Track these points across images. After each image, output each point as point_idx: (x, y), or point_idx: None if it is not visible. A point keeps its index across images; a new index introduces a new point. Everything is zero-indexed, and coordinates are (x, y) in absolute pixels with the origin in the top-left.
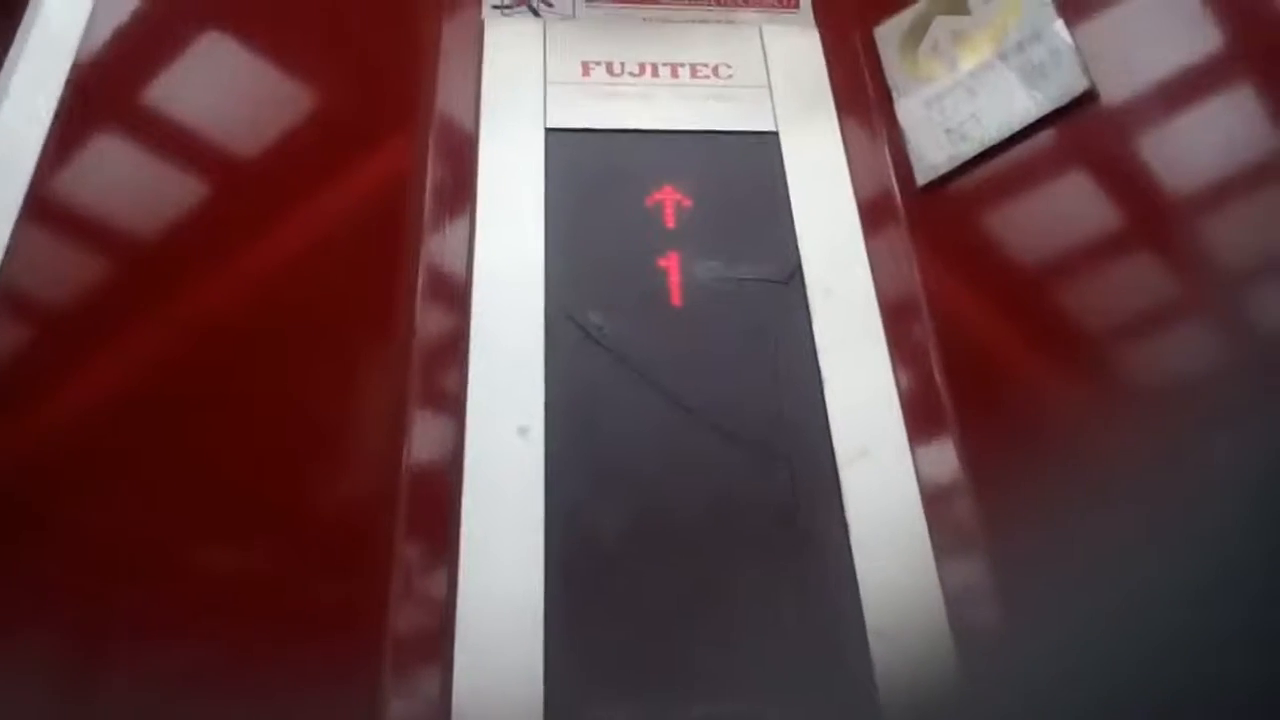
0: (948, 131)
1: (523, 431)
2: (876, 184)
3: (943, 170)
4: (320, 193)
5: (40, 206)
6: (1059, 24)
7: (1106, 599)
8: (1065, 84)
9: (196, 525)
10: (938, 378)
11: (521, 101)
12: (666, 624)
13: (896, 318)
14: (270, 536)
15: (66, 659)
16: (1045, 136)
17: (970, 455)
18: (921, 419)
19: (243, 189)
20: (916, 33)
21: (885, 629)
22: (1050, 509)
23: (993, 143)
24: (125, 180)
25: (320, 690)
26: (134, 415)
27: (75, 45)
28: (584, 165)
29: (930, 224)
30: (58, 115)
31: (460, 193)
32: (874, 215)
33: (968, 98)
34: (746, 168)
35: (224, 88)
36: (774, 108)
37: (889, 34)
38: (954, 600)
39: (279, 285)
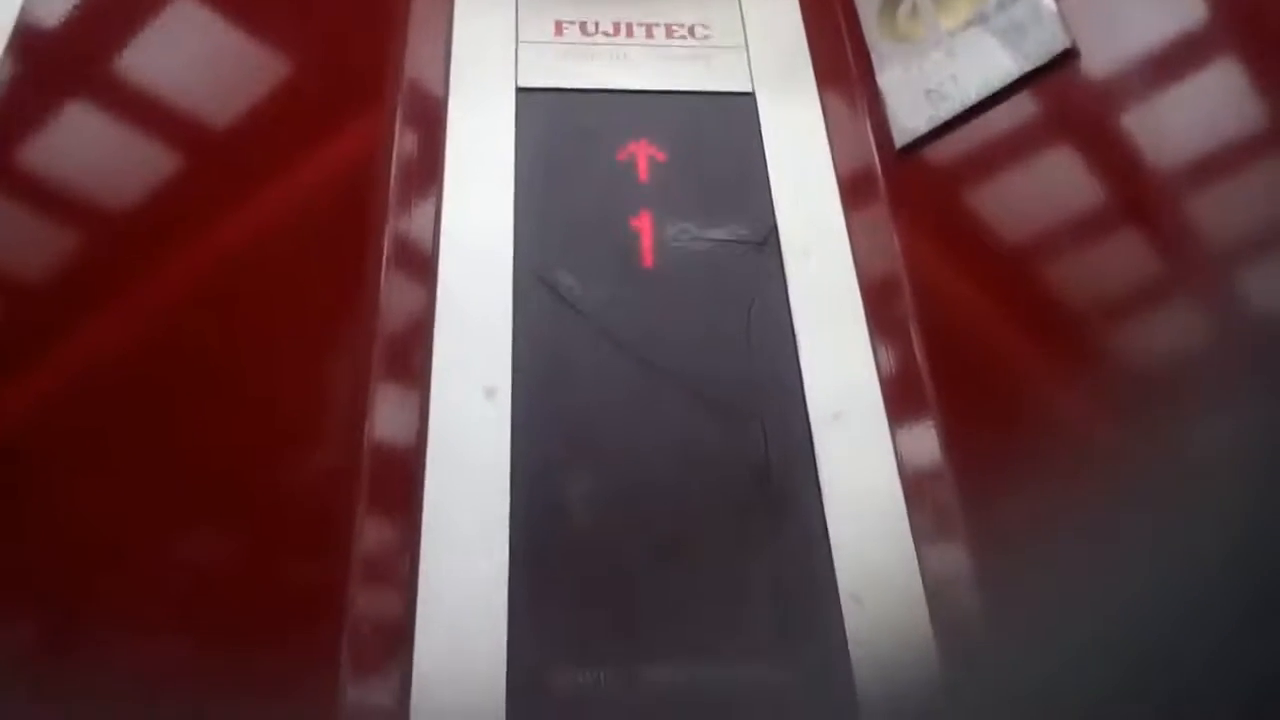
0: (927, 93)
1: (490, 393)
2: (854, 146)
3: (921, 132)
4: (285, 160)
5: None
6: None
7: (1082, 566)
8: (1045, 43)
9: (156, 503)
10: (914, 341)
11: (492, 61)
12: (635, 589)
13: (873, 280)
14: (233, 512)
15: (27, 636)
16: (1026, 97)
17: (945, 417)
18: (896, 381)
19: (205, 160)
20: None
21: (858, 592)
22: (1026, 476)
23: (972, 103)
24: (83, 154)
25: (281, 666)
26: (93, 392)
27: (15, 13)
28: (556, 125)
29: (908, 186)
30: (5, 86)
31: (429, 155)
32: (851, 177)
33: (947, 58)
34: (722, 129)
35: (184, 53)
36: (751, 68)
37: None
38: (928, 563)
39: (242, 256)
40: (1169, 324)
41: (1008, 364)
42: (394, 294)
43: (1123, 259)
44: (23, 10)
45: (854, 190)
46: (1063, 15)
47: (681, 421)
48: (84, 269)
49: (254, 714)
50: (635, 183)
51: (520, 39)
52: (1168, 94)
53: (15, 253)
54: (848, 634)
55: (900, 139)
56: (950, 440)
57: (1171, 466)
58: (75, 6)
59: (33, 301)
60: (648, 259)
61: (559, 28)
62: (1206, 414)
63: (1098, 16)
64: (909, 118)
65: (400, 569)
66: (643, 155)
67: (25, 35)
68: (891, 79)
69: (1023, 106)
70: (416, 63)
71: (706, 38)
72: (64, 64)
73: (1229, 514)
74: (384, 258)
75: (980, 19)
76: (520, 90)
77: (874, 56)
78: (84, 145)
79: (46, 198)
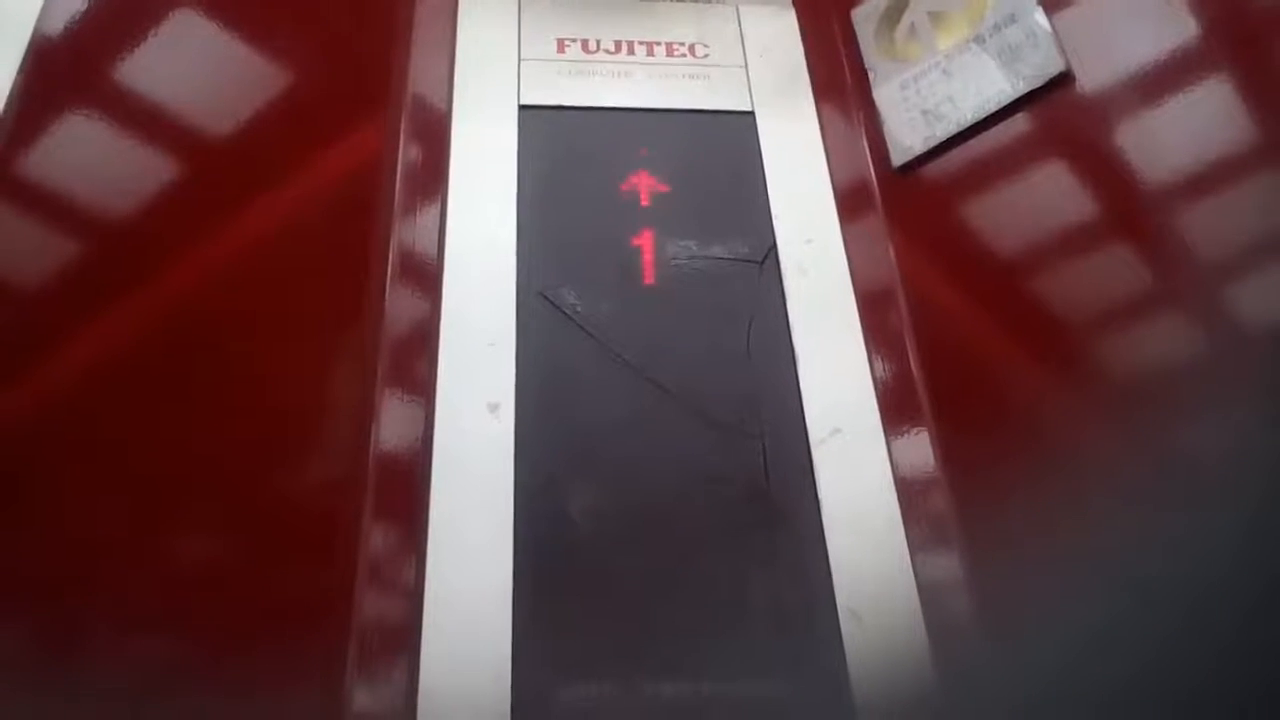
0: (924, 113)
1: (493, 408)
2: (852, 165)
3: (918, 151)
4: (290, 172)
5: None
6: (1036, 6)
7: (1078, 580)
8: (1041, 65)
9: (160, 510)
10: (911, 358)
11: (495, 78)
12: (636, 604)
13: (871, 298)
14: (240, 522)
15: (28, 640)
16: (1021, 118)
17: (943, 435)
18: (894, 398)
19: (210, 170)
20: (893, 15)
21: (857, 608)
22: (1023, 492)
23: (968, 124)
24: (89, 161)
25: (287, 677)
26: (97, 398)
27: (32, 23)
28: (558, 143)
29: (905, 205)
30: (18, 95)
31: (432, 171)
32: (849, 196)
33: (944, 79)
34: (722, 147)
35: (190, 65)
36: (750, 88)
37: (866, 15)
38: (926, 580)
39: (247, 267)
40: (1162, 339)
41: (1003, 380)
42: (398, 308)
43: (1116, 277)
44: (38, 21)
45: (851, 208)
46: (1058, 38)
47: (682, 437)
48: (93, 274)
49: None
50: (636, 201)
51: (522, 56)
52: (1161, 116)
53: (20, 256)
54: (846, 649)
55: (897, 158)
56: (947, 456)
57: (1167, 480)
58: (87, 19)
59: (42, 306)
60: (649, 276)
61: (561, 45)
62: (1201, 427)
63: (1093, 40)
64: (906, 137)
65: (406, 581)
66: (644, 179)
67: (40, 45)
68: (889, 98)
69: (1018, 127)
70: (420, 79)
71: (706, 56)
72: (75, 73)
73: (1225, 526)
74: (388, 272)
75: (977, 40)
76: (522, 107)
77: (872, 76)
78: (93, 153)
79: (53, 203)
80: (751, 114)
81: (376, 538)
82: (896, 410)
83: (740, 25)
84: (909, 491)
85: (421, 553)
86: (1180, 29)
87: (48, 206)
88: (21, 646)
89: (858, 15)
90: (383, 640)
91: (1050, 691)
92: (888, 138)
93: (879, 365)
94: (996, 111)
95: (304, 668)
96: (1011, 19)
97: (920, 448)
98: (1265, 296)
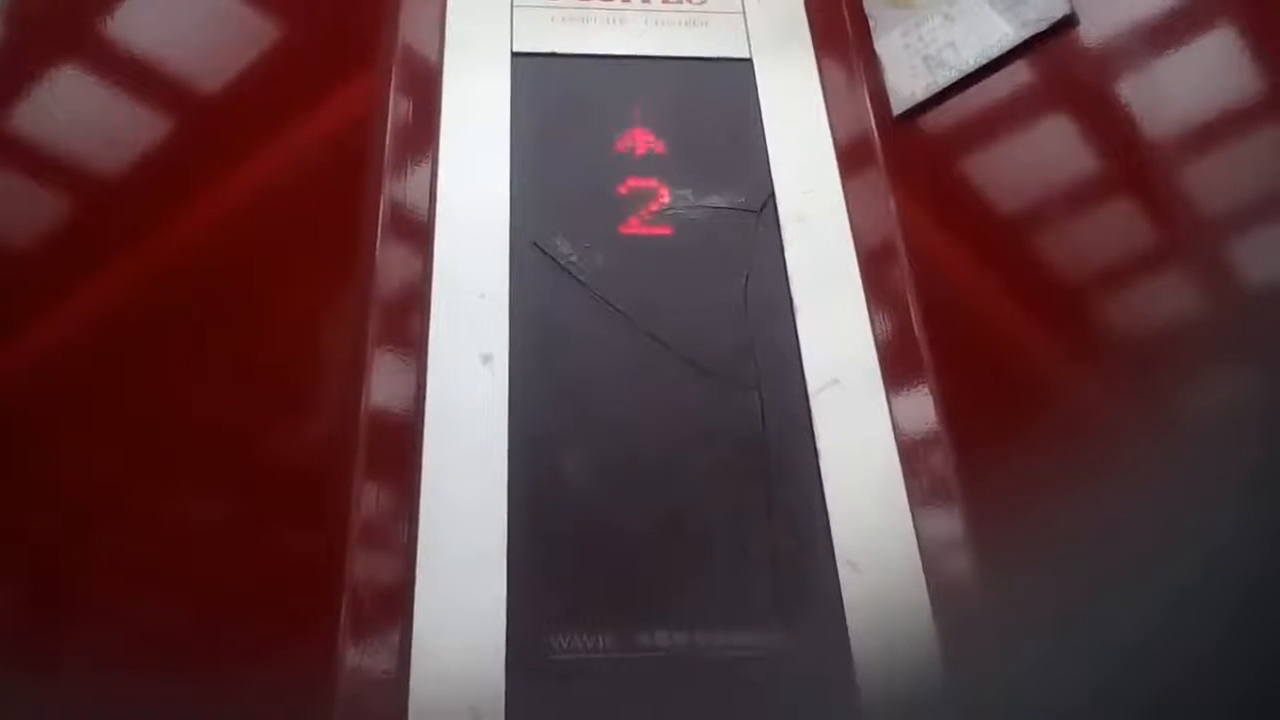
0: (925, 59)
1: (486, 359)
2: (852, 113)
3: (919, 99)
4: (279, 125)
5: None
6: None
7: (1077, 533)
8: (1044, 9)
9: (151, 469)
10: (911, 308)
11: (488, 25)
12: (633, 557)
13: (870, 249)
14: (230, 479)
15: (19, 598)
16: (1024, 64)
17: (941, 385)
18: (893, 348)
19: (198, 124)
20: None
21: (855, 559)
22: (1021, 443)
23: (970, 70)
24: (76, 117)
25: (280, 633)
26: (87, 356)
27: None
28: (552, 91)
29: (906, 154)
30: None
31: (424, 120)
32: (849, 145)
33: (945, 25)
34: (719, 96)
35: (176, 17)
36: (748, 35)
37: None
38: (925, 530)
39: (235, 224)
40: (1166, 294)
41: (1004, 332)
42: (390, 260)
43: (1120, 228)
44: None
45: (851, 157)
46: None
47: (679, 388)
48: (79, 232)
49: (253, 681)
50: (632, 150)
51: (515, 3)
52: (1167, 62)
53: (7, 215)
54: (844, 600)
55: (898, 106)
56: (947, 407)
57: (1168, 439)
58: None
59: (27, 264)
60: (644, 226)
61: None
62: (1203, 384)
63: None
64: (907, 85)
65: (399, 535)
66: (639, 122)
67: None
68: (889, 45)
69: (1021, 74)
70: (411, 27)
71: (704, 3)
72: (57, 26)
73: (1227, 488)
74: (379, 223)
75: None
76: (516, 55)
77: (872, 23)
78: (78, 108)
79: (39, 160)
80: (749, 61)
81: (369, 494)
82: (896, 362)
83: None
84: (908, 443)
85: (414, 508)
86: None
87: (33, 161)
88: (13, 604)
89: None
90: (375, 597)
91: (1049, 644)
92: (888, 85)
93: (878, 315)
94: (999, 57)
95: (296, 626)
96: None
97: (920, 399)
98: (1274, 253)
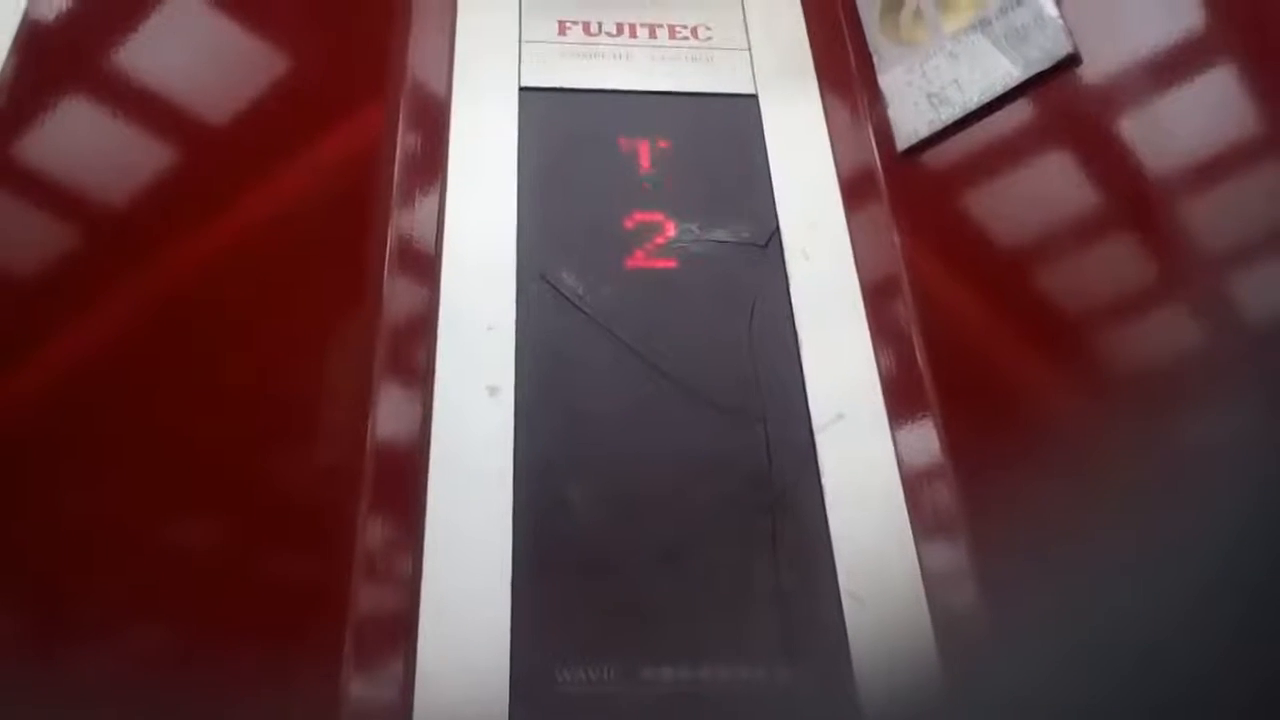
0: (929, 96)
1: (493, 391)
2: (856, 149)
3: (923, 135)
4: (289, 157)
5: None
6: None
7: (1081, 566)
8: (1048, 48)
9: (157, 498)
10: (915, 342)
11: (496, 60)
12: (637, 587)
13: (875, 283)
14: (236, 509)
15: (23, 628)
16: (1028, 102)
17: (946, 419)
18: (897, 383)
19: (208, 155)
20: None
21: (859, 592)
22: (1025, 476)
23: (974, 108)
24: (86, 147)
25: (285, 663)
26: (94, 386)
27: (23, 3)
28: (559, 125)
29: (910, 190)
30: (10, 77)
31: (432, 153)
32: (853, 180)
33: (949, 62)
34: (725, 130)
35: (188, 49)
36: (754, 70)
37: None
38: (929, 563)
39: (245, 254)
40: (1168, 328)
41: (1007, 366)
42: (397, 291)
43: (1122, 263)
44: (29, 5)
45: (855, 193)
46: (1065, 20)
47: (684, 421)
48: (89, 261)
49: (257, 711)
50: (638, 184)
51: (524, 39)
52: (1169, 100)
53: (15, 245)
54: (849, 633)
55: (902, 142)
56: (950, 441)
57: (1170, 467)
58: (80, 1)
59: (36, 294)
60: (651, 259)
61: (562, 27)
62: (1204, 415)
63: (1100, 22)
64: (911, 121)
65: (403, 566)
66: (645, 156)
67: (31, 30)
68: (893, 82)
69: (1024, 111)
70: (420, 61)
71: (709, 39)
72: (69, 58)
73: (1228, 515)
74: (387, 255)
75: (982, 23)
76: (523, 89)
77: (876, 59)
78: (89, 139)
79: (49, 190)
80: (755, 97)
81: (374, 525)
82: (900, 395)
83: (744, 8)
84: (912, 476)
85: (420, 539)
86: (1189, 11)
87: (42, 192)
88: (16, 634)
89: None
90: (380, 628)
91: (1053, 676)
92: (892, 121)
93: (882, 350)
94: (1003, 95)
95: (300, 656)
96: (1018, 1)
97: (924, 433)
98: (1276, 286)
